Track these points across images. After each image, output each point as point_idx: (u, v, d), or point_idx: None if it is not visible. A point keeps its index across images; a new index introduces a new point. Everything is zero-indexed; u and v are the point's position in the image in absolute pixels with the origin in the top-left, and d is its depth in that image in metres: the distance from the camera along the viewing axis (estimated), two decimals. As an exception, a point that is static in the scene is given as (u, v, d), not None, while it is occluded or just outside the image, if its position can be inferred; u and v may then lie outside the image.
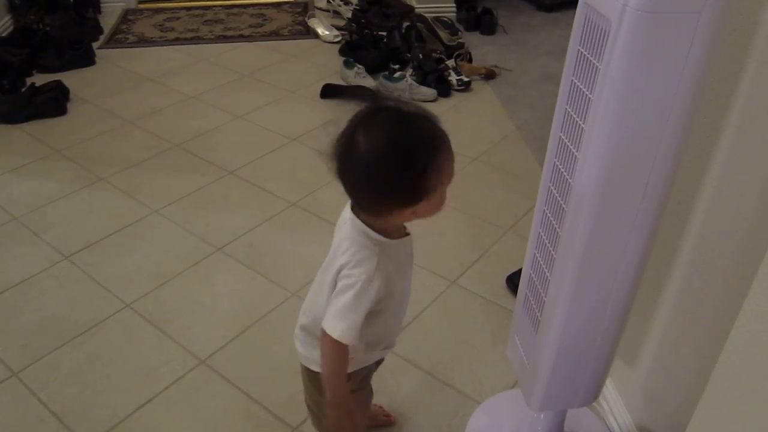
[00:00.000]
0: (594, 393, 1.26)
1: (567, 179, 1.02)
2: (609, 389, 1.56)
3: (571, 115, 0.99)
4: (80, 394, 1.62)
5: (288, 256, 2.07)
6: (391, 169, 0.95)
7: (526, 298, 1.23)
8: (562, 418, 1.40)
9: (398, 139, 0.95)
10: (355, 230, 1.03)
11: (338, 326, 1.01)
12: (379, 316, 1.07)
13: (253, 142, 2.71)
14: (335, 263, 1.04)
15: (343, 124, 0.97)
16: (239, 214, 2.27)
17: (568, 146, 1.02)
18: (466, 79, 3.13)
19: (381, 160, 0.95)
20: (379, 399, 1.60)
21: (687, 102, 0.89)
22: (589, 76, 0.93)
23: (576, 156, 0.98)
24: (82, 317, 1.83)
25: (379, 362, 1.28)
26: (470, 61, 3.35)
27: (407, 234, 1.11)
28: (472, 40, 3.71)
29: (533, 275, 1.19)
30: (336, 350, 1.04)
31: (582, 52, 0.95)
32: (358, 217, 1.04)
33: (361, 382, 1.25)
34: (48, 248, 2.11)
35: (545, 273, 1.13)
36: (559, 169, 1.05)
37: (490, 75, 3.26)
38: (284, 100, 3.09)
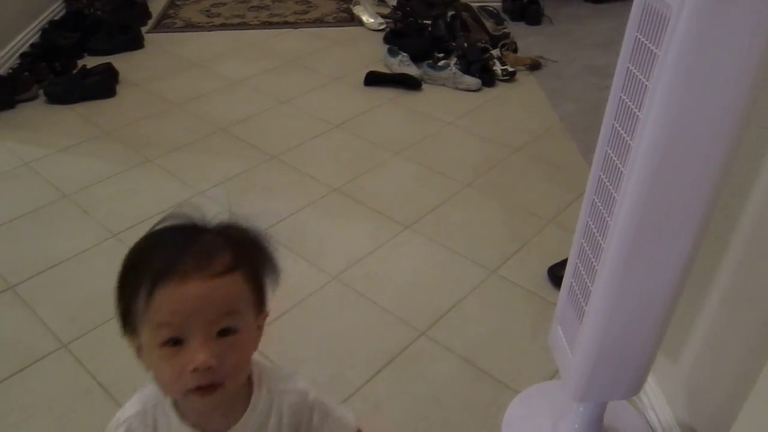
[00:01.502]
0: (637, 386, 1.25)
1: (619, 168, 1.01)
2: (650, 384, 1.54)
3: (626, 103, 0.98)
4: (126, 367, 1.66)
5: (329, 241, 2.09)
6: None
7: (572, 287, 1.22)
8: (602, 411, 1.39)
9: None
10: None
11: None
12: None
13: (297, 128, 2.74)
14: None
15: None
16: (282, 198, 2.29)
17: (621, 134, 1.00)
18: (510, 69, 3.10)
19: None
20: (415, 386, 1.61)
21: (747, 90, 0.87)
22: (646, 63, 0.92)
23: (630, 144, 0.97)
24: (128, 293, 1.88)
25: None
26: (515, 51, 3.32)
27: None
28: (518, 31, 3.68)
29: (579, 264, 1.18)
30: None
31: (640, 39, 0.94)
32: None
33: None
34: (97, 226, 2.17)
35: (592, 262, 1.12)
36: (611, 157, 1.04)
37: (535, 66, 3.22)
38: (328, 87, 3.11)
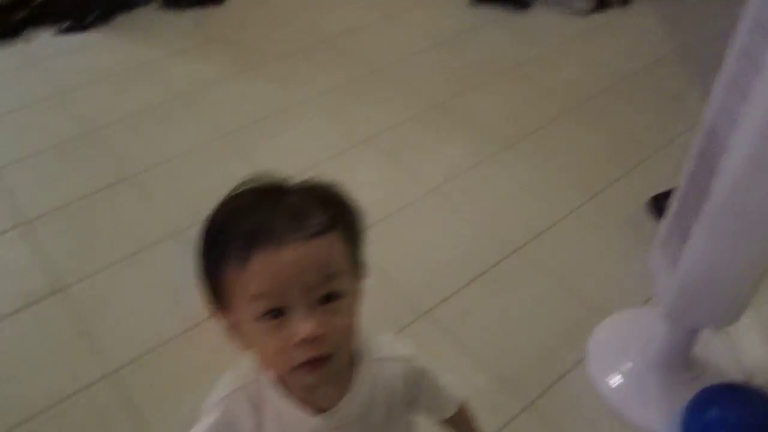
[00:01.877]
0: (732, 316, 1.24)
1: (744, 90, 0.97)
2: (744, 323, 1.50)
3: (762, 24, 0.94)
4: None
5: (429, 154, 2.11)
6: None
7: (680, 207, 1.21)
8: (691, 340, 1.39)
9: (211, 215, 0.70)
10: None
11: None
12: None
13: (403, 42, 2.73)
14: None
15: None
16: (385, 110, 2.32)
17: (751, 55, 0.96)
18: (626, -7, 2.95)
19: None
20: (503, 300, 1.65)
21: None
22: None
23: (761, 63, 0.93)
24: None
25: None
26: (633, -27, 3.14)
27: (328, 410, 0.72)
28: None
29: (691, 185, 1.16)
30: None
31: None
32: None
33: None
34: (206, 126, 2.27)
35: (704, 183, 1.10)
36: (737, 79, 1.00)
37: (653, -10, 3.05)
38: (435, 3, 3.06)
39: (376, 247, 1.78)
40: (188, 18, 2.96)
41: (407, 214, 1.89)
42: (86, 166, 2.12)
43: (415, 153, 2.12)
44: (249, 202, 0.68)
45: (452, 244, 1.80)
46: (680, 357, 1.43)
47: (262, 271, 0.62)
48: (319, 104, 2.36)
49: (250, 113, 2.32)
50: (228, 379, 0.74)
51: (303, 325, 0.61)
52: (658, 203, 1.83)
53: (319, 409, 0.71)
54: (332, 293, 0.64)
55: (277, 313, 0.62)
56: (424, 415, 0.85)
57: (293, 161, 2.09)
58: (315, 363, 0.63)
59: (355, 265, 0.71)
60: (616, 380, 1.46)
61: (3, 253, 1.82)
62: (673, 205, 1.25)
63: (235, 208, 0.68)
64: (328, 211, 0.67)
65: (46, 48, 2.75)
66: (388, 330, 1.34)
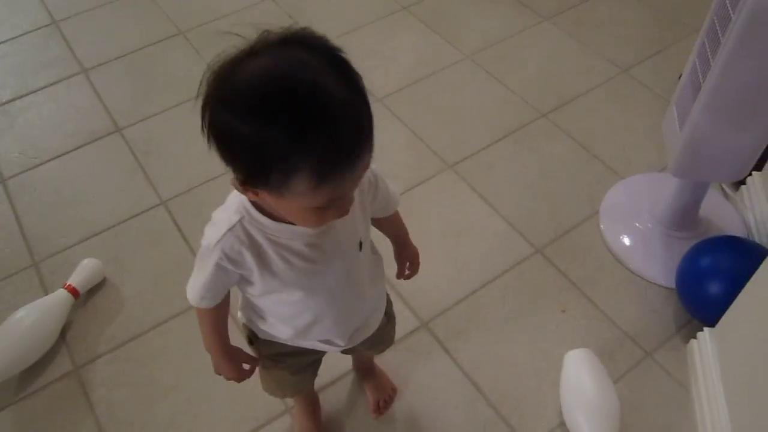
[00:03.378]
0: (738, 170, 1.31)
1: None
2: (756, 189, 1.58)
3: None
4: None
5: (468, 23, 2.15)
6: (232, 118, 0.64)
7: (694, 64, 1.26)
8: (698, 198, 1.48)
9: (263, 82, 0.63)
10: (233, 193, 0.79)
11: (188, 285, 0.87)
12: (270, 295, 0.87)
13: None
14: None
15: None
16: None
17: None
18: None
19: (230, 103, 0.64)
20: (528, 158, 1.74)
21: None
22: None
23: None
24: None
25: (316, 352, 1.04)
26: None
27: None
28: None
29: (706, 41, 1.22)
30: (198, 311, 0.91)
31: None
32: None
33: (274, 358, 1.03)
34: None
35: (719, 36, 1.15)
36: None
37: None
38: None
39: (410, 108, 1.90)
40: None
41: (441, 78, 1.97)
42: (141, 21, 2.23)
43: (453, 22, 2.16)
44: (301, 78, 0.62)
45: (482, 107, 1.89)
46: (686, 215, 1.52)
47: (332, 189, 0.66)
48: None
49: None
50: (215, 225, 0.79)
51: (346, 211, 0.73)
52: (688, 76, 1.86)
53: None
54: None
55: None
56: (376, 213, 0.94)
57: (335, 24, 2.16)
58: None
59: None
60: (623, 234, 1.57)
61: (69, 95, 1.99)
62: (690, 59, 1.30)
63: (292, 87, 0.61)
64: (369, 110, 0.67)
65: None
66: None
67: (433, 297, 1.46)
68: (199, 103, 0.66)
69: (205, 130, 0.67)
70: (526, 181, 1.69)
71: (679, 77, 1.89)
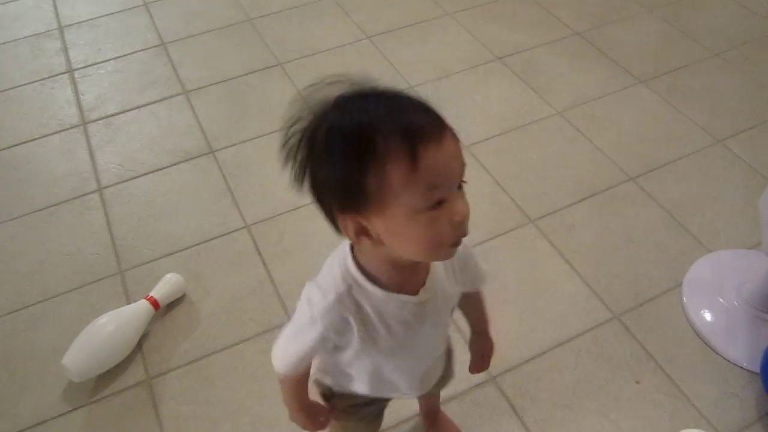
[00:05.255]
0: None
1: None
2: None
3: None
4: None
5: (561, 79, 2.16)
6: (319, 154, 0.70)
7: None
8: (792, 282, 1.42)
9: (335, 123, 0.68)
10: (338, 250, 0.80)
11: (276, 352, 0.86)
12: (363, 358, 0.85)
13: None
14: None
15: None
16: (524, 31, 2.36)
17: None
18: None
19: (318, 147, 0.70)
20: (612, 221, 1.71)
21: None
22: None
23: None
24: (372, 88, 2.13)
25: (389, 399, 1.07)
26: None
27: (417, 293, 0.79)
28: None
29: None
30: (280, 378, 0.90)
31: None
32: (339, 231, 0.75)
33: (348, 410, 1.03)
34: (354, 27, 2.42)
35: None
36: None
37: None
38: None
39: (495, 159, 1.92)
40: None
41: (529, 131, 1.97)
42: (242, 50, 2.33)
43: (546, 77, 2.17)
44: (372, 102, 0.68)
45: (569, 165, 1.87)
46: (776, 298, 1.46)
47: (433, 164, 0.64)
48: (463, 18, 2.44)
49: (395, 19, 2.44)
50: (318, 293, 0.77)
51: (462, 207, 0.68)
52: (788, 154, 1.80)
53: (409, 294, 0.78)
54: (462, 180, 0.69)
55: (439, 202, 0.66)
56: (465, 287, 0.91)
57: (427, 69, 2.20)
58: (457, 243, 0.70)
59: None
60: (707, 309, 1.51)
61: (170, 114, 2.09)
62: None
63: (362, 108, 0.67)
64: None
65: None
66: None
67: (503, 352, 1.43)
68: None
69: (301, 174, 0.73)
70: (608, 244, 1.66)
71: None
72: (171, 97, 2.15)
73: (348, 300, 0.76)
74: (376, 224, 0.68)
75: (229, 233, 1.72)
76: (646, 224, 1.71)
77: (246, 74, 2.22)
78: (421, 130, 0.64)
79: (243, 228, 1.73)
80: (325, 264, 0.81)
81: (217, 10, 2.53)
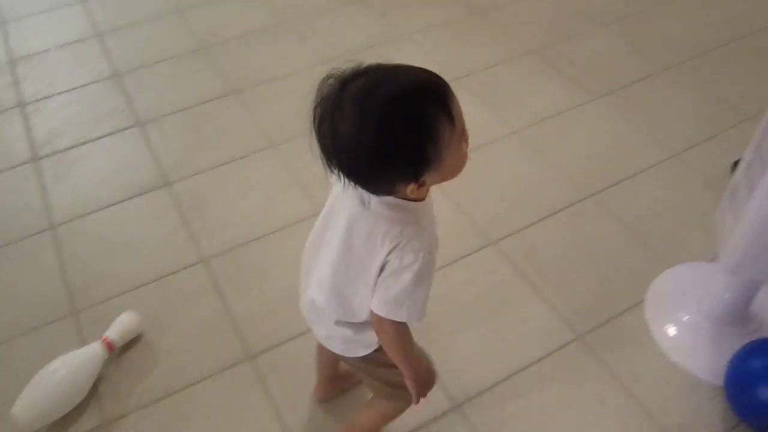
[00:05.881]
0: (793, 271, 1.26)
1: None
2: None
3: None
4: (322, 175, 1.91)
5: (518, 98, 2.16)
6: (372, 150, 0.81)
7: (750, 161, 1.23)
8: (750, 294, 1.42)
9: (372, 124, 0.80)
10: (386, 208, 0.90)
11: (401, 310, 0.92)
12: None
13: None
14: (377, 253, 0.91)
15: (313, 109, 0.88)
16: (481, 51, 2.37)
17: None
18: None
19: (362, 148, 0.81)
20: (572, 240, 1.71)
21: None
22: None
23: None
24: (330, 113, 2.12)
25: None
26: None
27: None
28: None
29: (763, 140, 1.19)
30: (403, 333, 0.98)
31: None
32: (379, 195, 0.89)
33: None
34: (310, 52, 2.40)
35: (777, 137, 1.12)
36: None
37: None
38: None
39: (454, 181, 1.89)
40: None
41: (488, 152, 1.97)
42: (198, 78, 2.30)
43: (503, 96, 2.17)
44: (407, 88, 0.83)
45: (528, 184, 1.87)
46: (736, 311, 1.47)
47: (458, 112, 0.83)
48: (418, 40, 2.44)
49: (352, 43, 2.43)
50: (417, 235, 0.90)
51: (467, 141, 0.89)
52: (742, 166, 1.82)
53: None
54: None
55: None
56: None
57: (387, 91, 2.19)
58: None
59: None
60: (669, 325, 1.51)
61: (122, 147, 2.05)
62: (746, 155, 1.27)
63: (406, 100, 0.81)
64: None
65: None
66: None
67: (466, 379, 1.42)
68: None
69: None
70: (570, 263, 1.66)
71: (733, 165, 1.87)
72: (125, 129, 2.11)
73: (425, 221, 0.92)
74: (431, 176, 0.85)
75: (186, 268, 1.68)
76: (606, 241, 1.71)
77: (202, 103, 2.19)
78: (444, 94, 0.82)
79: (200, 262, 1.69)
80: (383, 235, 0.90)
81: (172, 38, 2.51)
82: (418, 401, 1.06)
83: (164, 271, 1.67)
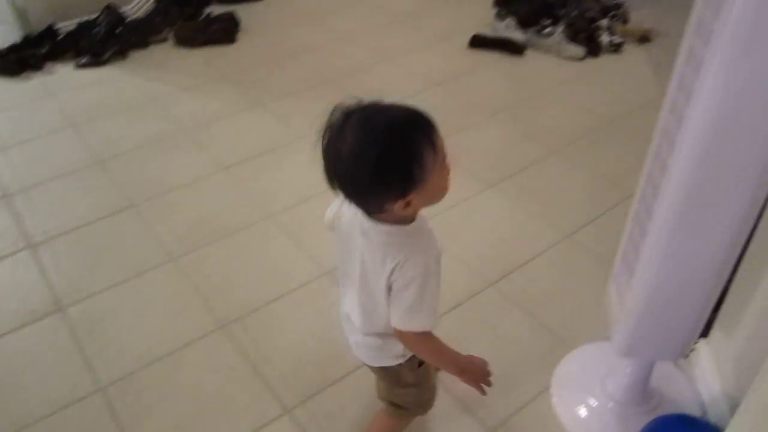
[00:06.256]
0: (679, 350, 1.31)
1: (676, 136, 1.07)
2: (704, 357, 1.58)
3: (687, 76, 1.04)
4: (223, 283, 1.89)
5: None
6: (366, 168, 0.95)
7: (626, 248, 1.30)
8: (648, 372, 1.46)
9: (369, 144, 0.95)
10: (381, 235, 1.04)
11: (414, 321, 1.07)
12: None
13: (399, 84, 2.86)
14: (381, 276, 1.06)
15: (322, 131, 1.03)
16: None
17: (680, 105, 1.07)
18: (617, 41, 3.08)
19: (360, 164, 0.95)
20: (477, 330, 1.73)
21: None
22: (706, 38, 0.97)
23: (686, 114, 1.03)
24: (231, 221, 2.10)
25: None
26: (626, 22, 3.27)
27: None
28: (634, 1, 3.59)
29: (635, 227, 1.26)
30: (425, 339, 1.12)
31: (702, 15, 0.99)
32: (377, 219, 1.04)
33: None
34: (209, 159, 2.41)
35: (645, 225, 1.19)
36: (671, 125, 1.10)
37: (644, 38, 3.17)
38: (433, 47, 3.20)
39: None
40: (200, 56, 3.13)
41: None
42: (92, 194, 2.25)
43: (403, 189, 2.22)
44: (401, 120, 0.98)
45: (431, 277, 1.89)
46: (637, 389, 1.50)
47: (440, 143, 0.99)
48: (313, 141, 2.48)
49: (251, 148, 2.45)
50: (424, 242, 1.07)
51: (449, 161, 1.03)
52: (629, 243, 1.91)
53: None
54: None
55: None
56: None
57: (285, 196, 2.21)
58: None
59: None
60: (577, 411, 1.53)
61: (11, 273, 1.95)
62: (622, 241, 1.34)
63: (399, 127, 0.97)
64: None
65: (65, 81, 2.94)
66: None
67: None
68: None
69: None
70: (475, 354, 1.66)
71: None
72: (14, 253, 2.02)
73: (422, 236, 1.07)
74: (416, 197, 0.98)
75: (81, 399, 1.58)
76: (510, 329, 1.74)
77: (97, 220, 2.14)
78: (429, 127, 0.98)
79: (97, 392, 1.60)
80: (383, 256, 1.04)
81: (64, 153, 2.46)
82: (484, 392, 1.25)
83: (57, 404, 1.57)
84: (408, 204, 0.98)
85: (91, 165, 2.39)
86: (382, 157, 0.94)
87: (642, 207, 1.22)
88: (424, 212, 1.08)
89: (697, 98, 0.99)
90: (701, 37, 1.00)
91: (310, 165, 2.36)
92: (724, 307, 1.48)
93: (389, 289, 1.06)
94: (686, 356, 1.58)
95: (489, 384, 1.25)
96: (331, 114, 1.00)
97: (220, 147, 2.47)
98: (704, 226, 1.10)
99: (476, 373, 1.23)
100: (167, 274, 1.92)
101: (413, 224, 1.06)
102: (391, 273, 1.04)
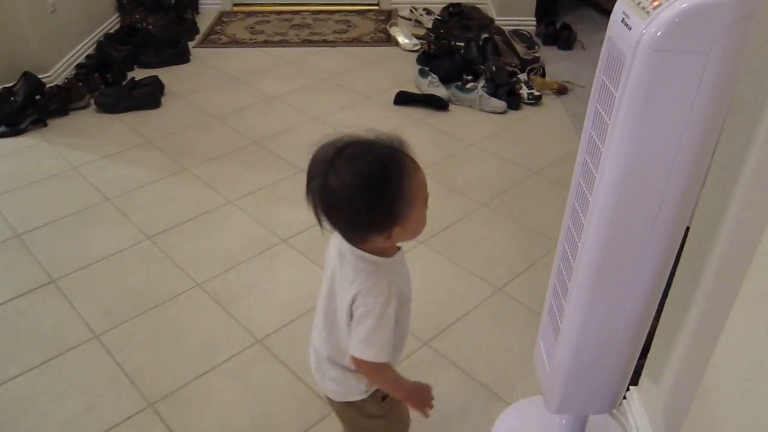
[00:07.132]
0: (610, 402, 1.33)
1: (587, 196, 1.11)
2: (636, 404, 1.61)
3: (594, 138, 1.08)
4: (150, 359, 1.81)
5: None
6: (355, 204, 1.00)
7: (551, 305, 1.32)
8: (583, 424, 1.47)
9: (360, 177, 0.99)
10: (356, 259, 1.08)
11: (369, 351, 1.08)
12: (397, 325, 1.11)
13: (326, 143, 2.87)
14: (346, 295, 1.09)
15: (312, 165, 1.03)
16: (306, 209, 2.41)
17: (590, 166, 1.10)
18: (536, 94, 3.19)
19: (351, 204, 1.00)
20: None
21: (698, 134, 0.96)
22: (608, 103, 1.01)
23: (595, 175, 1.07)
24: (158, 292, 2.04)
25: None
26: (543, 75, 3.41)
27: (399, 248, 1.15)
28: (549, 55, 3.76)
29: (557, 283, 1.28)
30: (378, 369, 1.13)
31: (604, 81, 1.04)
32: (357, 246, 1.08)
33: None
34: (133, 228, 2.34)
35: (566, 282, 1.21)
36: (582, 186, 1.14)
37: (561, 90, 3.31)
38: (359, 105, 3.25)
39: (291, 347, 1.85)
40: (123, 122, 3.07)
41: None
42: (9, 273, 2.15)
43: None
44: (387, 154, 1.03)
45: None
46: (574, 442, 1.51)
47: (422, 180, 1.05)
48: (245, 204, 2.46)
49: (177, 214, 2.40)
50: (377, 281, 1.07)
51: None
52: (557, 293, 1.95)
53: None
54: None
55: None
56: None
57: (212, 263, 2.16)
58: None
59: None
60: (515, 468, 1.52)
61: None
62: (547, 299, 1.36)
63: (386, 164, 1.01)
64: None
65: (-22, 153, 2.82)
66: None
67: None
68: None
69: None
70: (412, 417, 1.64)
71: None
72: None
73: (388, 274, 1.08)
74: (397, 230, 1.03)
75: (-6, 498, 1.48)
76: (445, 388, 1.72)
77: (13, 298, 2.03)
78: (411, 164, 1.03)
79: (11, 488, 1.50)
80: (351, 280, 1.07)
81: (-22, 230, 2.35)
82: (426, 415, 1.26)
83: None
84: (389, 236, 1.04)
85: (7, 239, 2.29)
86: (373, 200, 0.99)
87: (563, 264, 1.25)
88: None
89: (604, 161, 1.03)
90: (603, 102, 1.04)
91: (238, 231, 2.34)
92: (650, 357, 1.51)
93: (351, 316, 1.09)
94: (618, 406, 1.60)
95: (432, 407, 1.27)
96: (319, 150, 1.03)
97: (144, 215, 2.41)
98: (621, 283, 1.12)
99: (421, 399, 1.25)
100: (89, 352, 1.83)
101: (389, 260, 1.10)
102: (353, 298, 1.07)
